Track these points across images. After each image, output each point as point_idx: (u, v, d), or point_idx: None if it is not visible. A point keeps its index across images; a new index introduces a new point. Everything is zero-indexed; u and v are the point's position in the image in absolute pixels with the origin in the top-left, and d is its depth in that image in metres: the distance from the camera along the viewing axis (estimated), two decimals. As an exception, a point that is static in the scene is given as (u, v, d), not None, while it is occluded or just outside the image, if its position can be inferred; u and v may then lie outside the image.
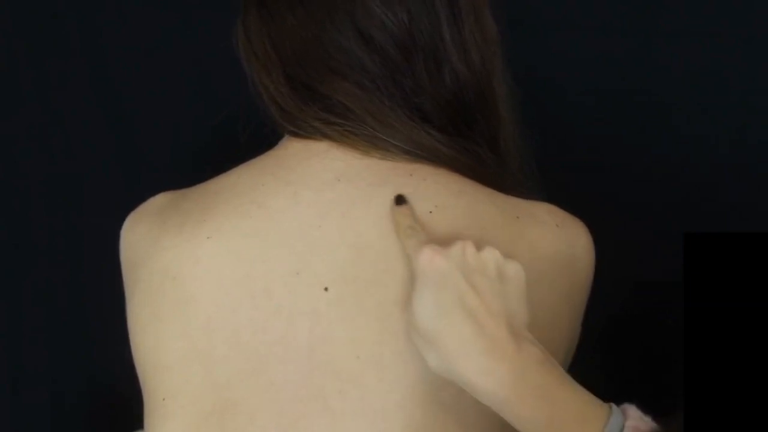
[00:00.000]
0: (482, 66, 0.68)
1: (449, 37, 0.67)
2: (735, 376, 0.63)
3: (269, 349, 0.61)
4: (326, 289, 0.62)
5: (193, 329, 0.62)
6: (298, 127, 0.68)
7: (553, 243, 0.64)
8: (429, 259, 0.56)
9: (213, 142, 1.15)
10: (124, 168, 1.22)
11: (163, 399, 0.63)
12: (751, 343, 0.63)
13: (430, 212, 0.63)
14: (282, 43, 0.68)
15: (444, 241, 0.58)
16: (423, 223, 0.61)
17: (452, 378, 0.55)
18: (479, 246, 0.58)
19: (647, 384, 1.17)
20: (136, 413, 0.68)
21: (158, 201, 0.71)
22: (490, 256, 0.57)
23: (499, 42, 0.71)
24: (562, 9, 1.17)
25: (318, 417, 0.60)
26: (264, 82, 0.69)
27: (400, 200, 0.63)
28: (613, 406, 0.58)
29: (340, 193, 0.64)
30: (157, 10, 1.20)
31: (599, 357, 1.01)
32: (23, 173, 1.21)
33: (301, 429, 0.60)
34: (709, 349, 0.65)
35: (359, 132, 0.66)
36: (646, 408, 0.61)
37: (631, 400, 0.61)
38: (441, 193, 0.65)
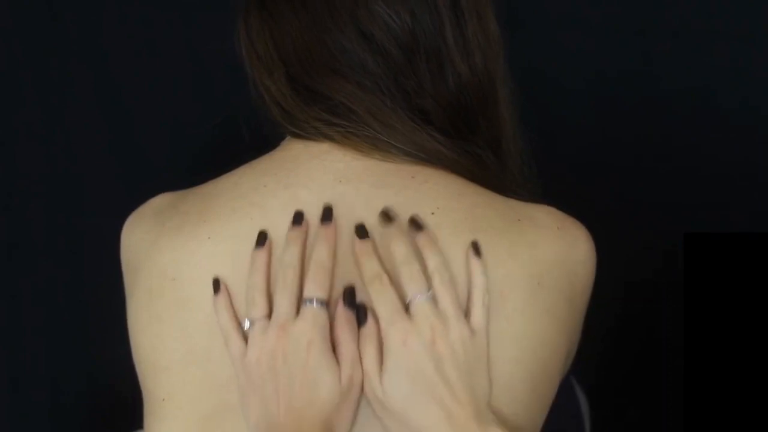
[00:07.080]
0: (485, 68, 0.68)
1: (452, 39, 0.66)
2: (734, 376, 0.63)
3: (268, 351, 0.61)
4: None
5: (191, 330, 0.62)
6: (300, 128, 0.68)
7: (554, 246, 0.64)
8: (402, 340, 0.57)
9: (213, 142, 1.15)
10: (124, 168, 1.22)
11: (162, 400, 0.63)
12: (751, 342, 0.63)
13: (432, 214, 0.63)
14: (284, 44, 0.67)
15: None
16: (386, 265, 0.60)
17: None
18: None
19: (647, 384, 1.17)
20: (136, 413, 0.68)
21: (157, 202, 0.71)
22: (457, 335, 0.58)
23: (502, 43, 0.71)
24: (564, 10, 1.17)
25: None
26: (265, 82, 0.69)
27: (362, 233, 0.62)
28: None
29: (340, 194, 0.64)
30: (157, 10, 1.20)
31: (599, 357, 1.01)
32: (23, 173, 1.21)
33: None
34: (709, 348, 0.65)
35: (360, 133, 0.66)
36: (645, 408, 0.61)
37: (630, 400, 0.61)
38: (442, 196, 0.64)
